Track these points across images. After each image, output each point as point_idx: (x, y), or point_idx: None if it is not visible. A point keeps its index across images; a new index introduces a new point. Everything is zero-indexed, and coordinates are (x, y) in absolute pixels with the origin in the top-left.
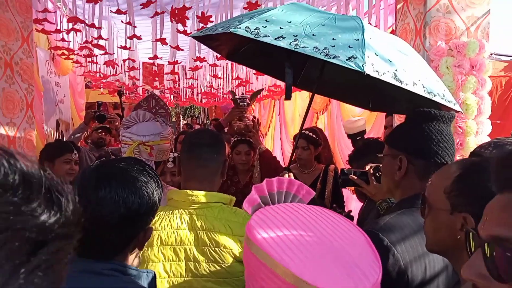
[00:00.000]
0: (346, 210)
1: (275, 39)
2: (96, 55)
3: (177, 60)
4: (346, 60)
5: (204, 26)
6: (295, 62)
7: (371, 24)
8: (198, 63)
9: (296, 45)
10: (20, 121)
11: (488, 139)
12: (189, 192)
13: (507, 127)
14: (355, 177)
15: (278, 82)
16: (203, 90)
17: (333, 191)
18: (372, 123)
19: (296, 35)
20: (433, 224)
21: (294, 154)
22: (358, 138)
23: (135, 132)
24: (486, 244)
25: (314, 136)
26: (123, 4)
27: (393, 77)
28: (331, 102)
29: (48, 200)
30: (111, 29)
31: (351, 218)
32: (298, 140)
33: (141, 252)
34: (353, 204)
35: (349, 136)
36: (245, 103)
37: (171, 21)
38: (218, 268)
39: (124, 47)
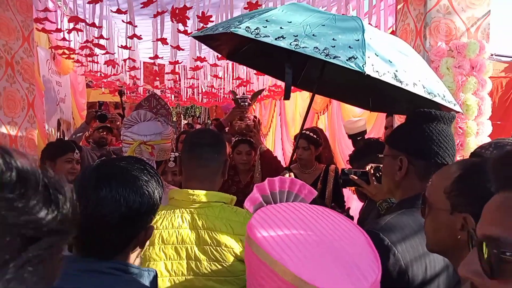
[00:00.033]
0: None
1: (276, 39)
2: (97, 55)
3: (177, 60)
4: (347, 60)
5: (205, 26)
6: (295, 62)
7: (371, 24)
8: (198, 63)
9: (296, 45)
10: (21, 120)
11: (488, 140)
12: (190, 191)
13: (507, 128)
14: (356, 177)
15: (279, 82)
16: (203, 90)
17: (333, 191)
18: (373, 123)
19: (297, 35)
20: (433, 224)
21: (295, 154)
22: (358, 138)
23: (136, 131)
24: (481, 243)
25: (314, 136)
26: (124, 4)
27: (393, 77)
28: (332, 102)
29: (45, 197)
30: (112, 28)
31: (351, 217)
32: (298, 140)
33: (143, 251)
34: (354, 204)
35: (350, 136)
36: (246, 103)
37: (172, 21)
38: (219, 267)
39: (125, 47)
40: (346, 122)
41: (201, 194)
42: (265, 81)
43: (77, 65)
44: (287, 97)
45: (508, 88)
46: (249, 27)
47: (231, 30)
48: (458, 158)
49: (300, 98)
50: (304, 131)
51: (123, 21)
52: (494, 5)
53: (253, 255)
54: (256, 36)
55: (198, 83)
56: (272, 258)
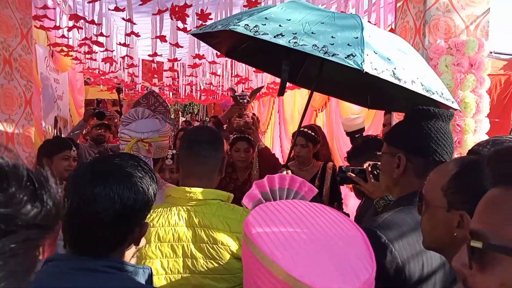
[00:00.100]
0: (344, 208)
1: (274, 36)
2: (96, 52)
3: (176, 58)
4: (345, 58)
5: (204, 23)
6: (294, 60)
7: (370, 22)
8: (197, 60)
9: (295, 43)
10: (18, 117)
11: (486, 137)
12: (187, 189)
13: (505, 125)
14: (353, 175)
15: (278, 80)
16: (202, 87)
17: (331, 188)
18: (371, 121)
19: (295, 33)
20: (430, 222)
21: (293, 152)
22: (356, 135)
23: (134, 129)
24: (468, 238)
25: (312, 133)
26: (123, 1)
27: (392, 75)
28: (330, 99)
29: (30, 192)
30: (111, 26)
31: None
32: (296, 138)
33: (139, 249)
34: (351, 201)
35: (348, 133)
36: (245, 100)
37: (171, 19)
38: (216, 265)
39: (124, 44)
40: (344, 120)
41: (198, 192)
42: (264, 79)
43: (75, 63)
44: (281, 93)
45: (507, 86)
46: (248, 25)
47: (230, 27)
48: (455, 155)
49: (299, 95)
50: (302, 129)
51: (123, 18)
52: (493, 3)
53: (249, 252)
54: (255, 33)
55: (196, 81)
56: (264, 254)
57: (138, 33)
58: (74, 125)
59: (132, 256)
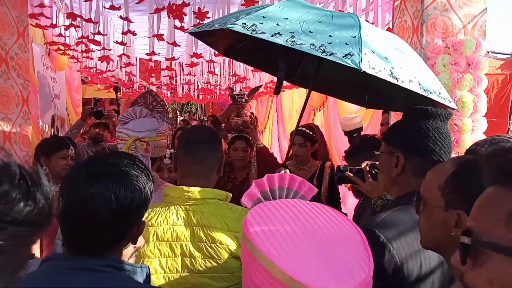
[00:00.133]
0: (342, 207)
1: (272, 35)
2: (94, 51)
3: (174, 57)
4: (343, 57)
5: (201, 22)
6: (291, 59)
7: (368, 21)
8: (194, 59)
9: (292, 42)
10: (15, 116)
11: (483, 137)
12: (185, 188)
13: (503, 125)
14: (351, 174)
15: (276, 79)
16: (200, 87)
17: (329, 187)
18: (368, 120)
19: (293, 32)
20: (427, 221)
21: (291, 151)
22: (354, 135)
23: (132, 128)
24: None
25: (311, 133)
26: (119, 0)
27: (389, 74)
28: (328, 99)
29: (23, 190)
30: (108, 24)
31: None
32: (294, 137)
33: (137, 249)
34: (350, 200)
35: (346, 133)
36: (243, 100)
37: (168, 17)
38: (214, 264)
39: (121, 43)
40: (342, 119)
41: (196, 191)
42: (262, 78)
43: (72, 61)
44: (277, 92)
45: (504, 85)
46: (245, 24)
47: (227, 26)
48: (453, 155)
49: (297, 94)
50: (300, 128)
51: (121, 16)
52: (490, 2)
53: (247, 251)
54: (253, 32)
55: (194, 80)
56: (261, 253)
57: (134, 31)
58: (72, 124)
59: (131, 256)
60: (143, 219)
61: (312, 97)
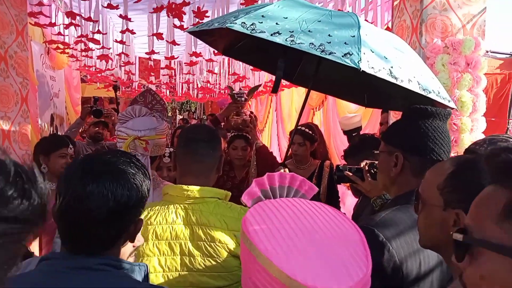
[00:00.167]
0: (342, 206)
1: (271, 35)
2: (93, 50)
3: (173, 56)
4: (342, 56)
5: (200, 21)
6: (291, 58)
7: (367, 20)
8: (194, 58)
9: (292, 41)
10: (14, 115)
11: (482, 136)
12: (185, 187)
13: (501, 125)
14: (350, 174)
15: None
16: (199, 85)
17: (328, 187)
18: (368, 119)
19: (292, 31)
20: (426, 220)
21: (290, 150)
22: (354, 134)
23: (131, 127)
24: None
25: (310, 132)
26: None
27: (389, 73)
28: (327, 98)
29: (19, 187)
30: (107, 23)
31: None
32: (294, 136)
33: (137, 248)
34: (349, 199)
35: (345, 132)
36: (243, 99)
37: (168, 16)
38: (213, 262)
39: (121, 42)
40: (341, 118)
41: (195, 190)
42: (261, 77)
43: (71, 60)
44: (275, 90)
45: (503, 85)
46: (244, 23)
47: (226, 25)
48: (452, 154)
49: (296, 93)
50: (299, 127)
51: (121, 15)
52: (490, 2)
53: (246, 249)
54: (252, 31)
55: (193, 79)
56: (259, 251)
57: (132, 30)
58: (71, 123)
59: (130, 255)
60: (142, 217)
61: (312, 96)
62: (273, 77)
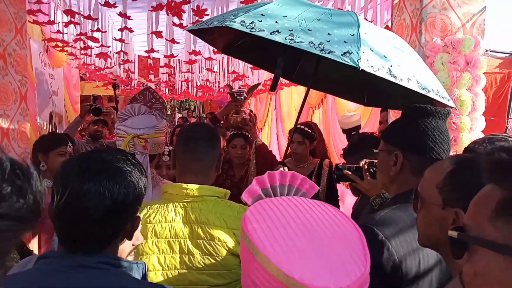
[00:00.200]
0: (341, 205)
1: (271, 33)
2: (92, 48)
3: (172, 54)
4: (341, 55)
5: (200, 19)
6: (290, 57)
7: (367, 19)
8: (193, 56)
9: (291, 39)
10: (13, 113)
11: (482, 135)
12: (184, 185)
13: (501, 124)
14: (350, 173)
15: None
16: (198, 84)
17: (327, 185)
18: (367, 118)
19: (292, 30)
20: (425, 219)
21: (289, 149)
22: (353, 133)
23: (130, 125)
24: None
25: (309, 130)
26: None
27: (388, 72)
28: (327, 97)
29: (14, 185)
30: (106, 21)
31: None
32: (293, 135)
33: (136, 247)
34: (348, 198)
35: (344, 131)
36: (242, 97)
37: (167, 14)
38: (212, 261)
39: (120, 40)
40: (340, 117)
41: (194, 188)
42: (260, 76)
43: (70, 58)
44: (273, 88)
45: (502, 84)
46: (244, 21)
47: (226, 24)
48: (451, 153)
49: (296, 92)
50: (298, 126)
51: (120, 13)
52: (489, 1)
53: (245, 247)
54: (251, 30)
55: (193, 77)
56: (258, 249)
57: (130, 28)
58: (70, 121)
59: (129, 254)
60: (140, 215)
61: (311, 95)
62: (273, 76)
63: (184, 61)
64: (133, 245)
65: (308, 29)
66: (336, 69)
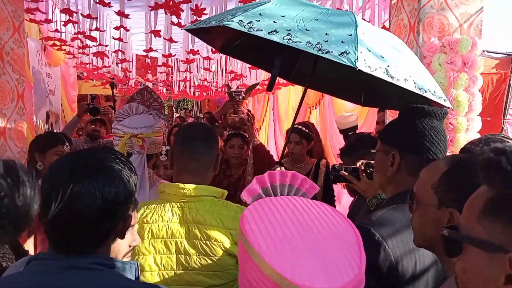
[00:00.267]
0: (337, 205)
1: (269, 33)
2: (90, 46)
3: (170, 53)
4: (339, 55)
5: (198, 18)
6: (288, 57)
7: (365, 19)
8: (191, 56)
9: (289, 39)
10: (10, 112)
11: (478, 136)
12: (181, 185)
13: (497, 124)
14: (346, 173)
15: None
16: (196, 83)
17: (324, 185)
18: (364, 118)
19: (290, 30)
20: (420, 219)
21: (287, 149)
22: (350, 133)
23: (127, 124)
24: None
25: (306, 130)
26: None
27: (385, 72)
28: (324, 97)
29: (5, 185)
30: (104, 20)
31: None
32: (290, 135)
33: (133, 248)
34: (345, 198)
35: (341, 131)
36: (240, 97)
37: (165, 13)
38: (209, 261)
39: (118, 39)
40: (338, 117)
41: (191, 188)
42: (258, 75)
43: (68, 57)
44: (270, 88)
45: (499, 85)
46: (242, 21)
47: (224, 23)
48: (448, 154)
49: (293, 92)
50: (296, 126)
51: (119, 12)
52: (487, 2)
53: (242, 247)
54: (249, 30)
55: (190, 76)
56: (253, 249)
57: (127, 27)
58: (67, 121)
59: (125, 255)
60: (138, 215)
61: (308, 95)
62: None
63: (182, 61)
64: (129, 246)
65: (306, 29)
66: (333, 69)
